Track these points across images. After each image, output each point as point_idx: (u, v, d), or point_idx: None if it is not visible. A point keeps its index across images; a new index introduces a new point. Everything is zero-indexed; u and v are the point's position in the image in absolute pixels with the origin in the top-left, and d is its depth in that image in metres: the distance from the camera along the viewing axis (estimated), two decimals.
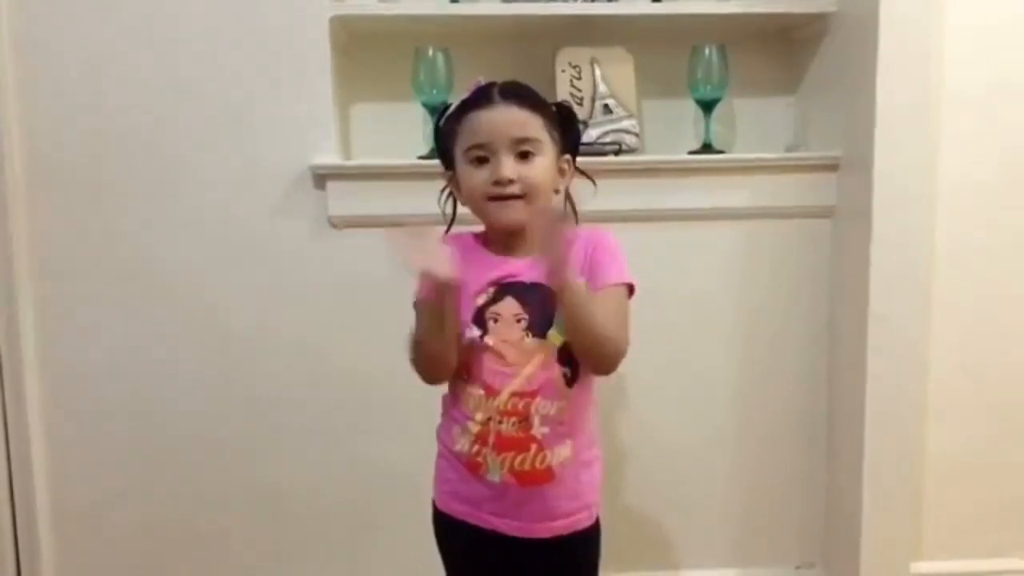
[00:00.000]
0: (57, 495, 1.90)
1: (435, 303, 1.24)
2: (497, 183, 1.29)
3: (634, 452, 2.00)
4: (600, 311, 1.27)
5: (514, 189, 1.29)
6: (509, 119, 1.30)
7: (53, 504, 1.91)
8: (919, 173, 1.80)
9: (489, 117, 1.30)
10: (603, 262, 1.32)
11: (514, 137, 1.29)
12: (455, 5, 1.88)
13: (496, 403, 1.30)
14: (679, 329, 1.94)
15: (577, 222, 1.43)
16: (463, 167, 1.33)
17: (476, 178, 1.31)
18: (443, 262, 1.20)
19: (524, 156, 1.30)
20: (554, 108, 1.37)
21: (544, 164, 1.31)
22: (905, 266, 1.82)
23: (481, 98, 1.32)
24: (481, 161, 1.31)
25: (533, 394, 1.29)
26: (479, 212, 1.35)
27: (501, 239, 1.36)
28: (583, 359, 1.31)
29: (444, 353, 1.30)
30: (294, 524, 1.95)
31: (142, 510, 1.92)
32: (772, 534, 2.06)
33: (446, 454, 1.38)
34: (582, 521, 1.36)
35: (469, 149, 1.31)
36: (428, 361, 1.31)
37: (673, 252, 1.93)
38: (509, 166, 1.28)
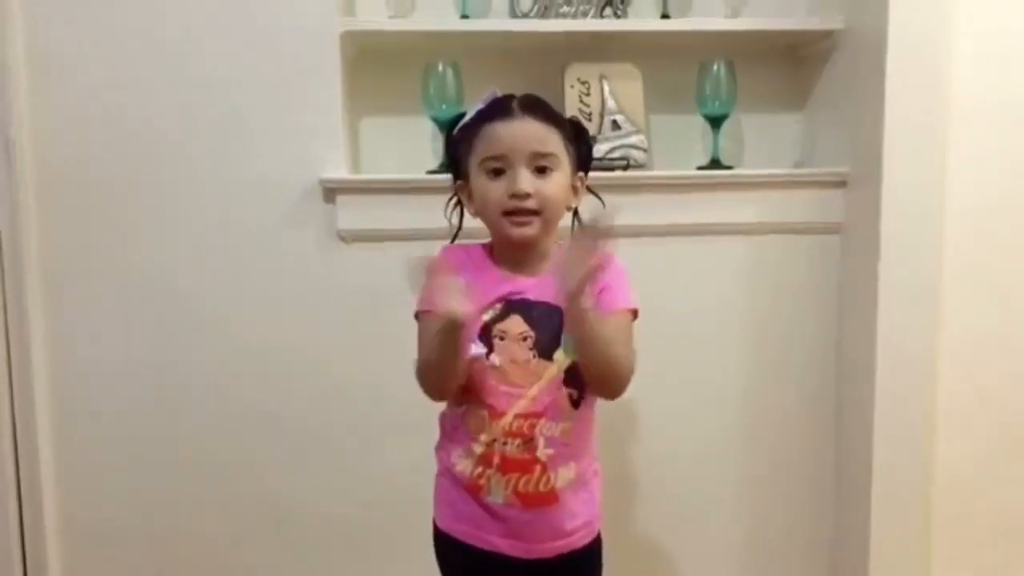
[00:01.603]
0: (65, 506, 1.90)
1: (449, 332, 1.21)
2: (514, 196, 1.27)
3: (639, 467, 1.99)
4: (612, 335, 1.25)
5: (531, 204, 1.27)
6: (528, 132, 1.29)
7: (61, 515, 1.91)
8: (927, 189, 1.80)
9: (508, 129, 1.29)
10: (610, 286, 1.30)
11: (533, 151, 1.28)
12: (465, 21, 1.89)
13: (501, 425, 1.28)
14: (686, 345, 1.94)
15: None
16: (478, 178, 1.31)
17: (492, 191, 1.29)
18: (460, 299, 1.17)
19: (541, 171, 1.28)
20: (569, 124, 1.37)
21: (560, 180, 1.30)
22: (913, 282, 1.82)
23: (500, 110, 1.31)
24: (497, 173, 1.29)
25: (538, 415, 1.28)
26: (492, 225, 1.33)
27: (510, 254, 1.34)
28: (593, 384, 1.30)
29: (455, 374, 1.27)
30: (300, 537, 1.95)
31: (149, 522, 1.92)
32: (780, 551, 2.05)
33: (446, 474, 1.37)
34: (584, 538, 1.36)
35: (485, 160, 1.30)
36: (439, 380, 1.29)
37: (681, 268, 1.93)
38: (527, 180, 1.27)
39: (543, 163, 1.29)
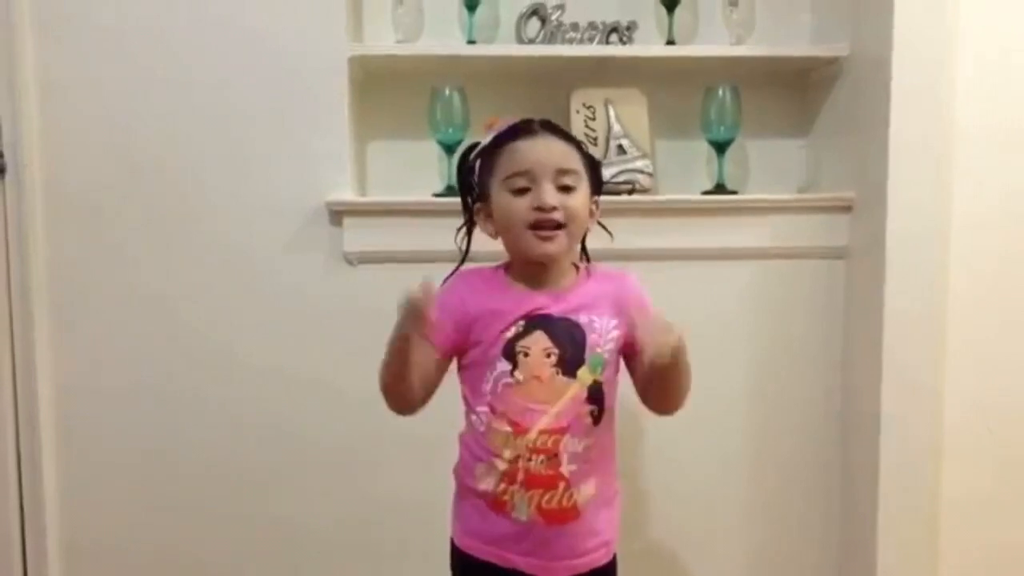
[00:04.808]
0: (68, 527, 1.90)
1: (404, 338, 1.24)
2: (539, 209, 1.29)
3: (645, 490, 1.98)
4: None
5: (557, 216, 1.29)
6: (553, 149, 1.31)
7: (64, 536, 1.90)
8: (932, 214, 1.81)
9: (532, 146, 1.31)
10: (644, 305, 1.35)
11: (558, 167, 1.30)
12: (471, 46, 1.91)
13: (525, 440, 1.29)
14: (692, 369, 1.93)
15: (588, 261, 1.45)
16: (502, 196, 1.32)
17: (517, 206, 1.30)
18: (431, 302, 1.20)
19: (565, 189, 1.30)
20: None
21: (583, 197, 1.33)
22: (919, 306, 1.82)
23: (522, 130, 1.33)
24: (522, 191, 1.30)
25: (562, 431, 1.29)
26: (516, 241, 1.33)
27: (527, 272, 1.35)
28: (664, 400, 1.36)
29: (402, 383, 1.30)
30: (308, 559, 1.94)
31: (153, 543, 1.91)
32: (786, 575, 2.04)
33: (466, 493, 1.37)
34: (600, 558, 1.36)
35: (510, 178, 1.31)
36: (386, 385, 1.32)
37: (686, 292, 1.91)
38: (552, 194, 1.29)
39: (567, 180, 1.31)
